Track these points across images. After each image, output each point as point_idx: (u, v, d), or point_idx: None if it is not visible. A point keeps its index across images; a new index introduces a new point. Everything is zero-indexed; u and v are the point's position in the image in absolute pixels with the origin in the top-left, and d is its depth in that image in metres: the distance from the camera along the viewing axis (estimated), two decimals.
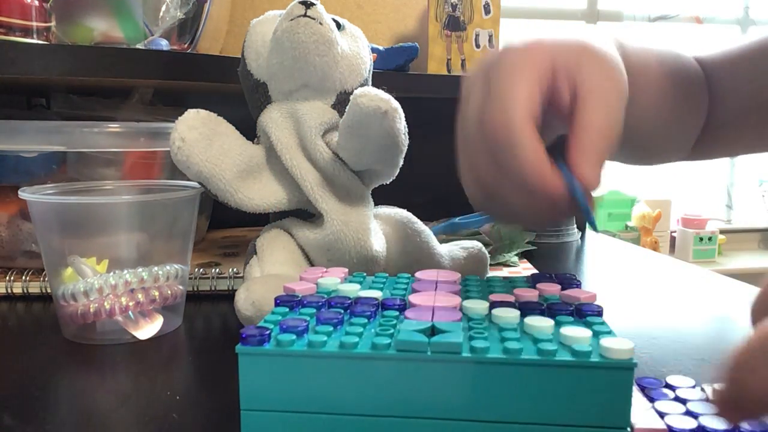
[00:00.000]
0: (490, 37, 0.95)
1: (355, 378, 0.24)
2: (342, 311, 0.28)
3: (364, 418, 0.25)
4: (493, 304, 0.29)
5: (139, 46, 0.61)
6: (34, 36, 0.57)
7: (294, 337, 0.25)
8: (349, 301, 0.30)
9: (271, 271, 0.44)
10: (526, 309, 0.28)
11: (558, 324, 0.26)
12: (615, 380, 0.23)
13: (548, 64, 0.33)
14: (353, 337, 0.25)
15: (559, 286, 0.32)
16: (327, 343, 0.25)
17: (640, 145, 0.49)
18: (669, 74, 0.48)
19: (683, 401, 0.27)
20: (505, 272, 0.62)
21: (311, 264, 0.47)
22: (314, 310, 0.29)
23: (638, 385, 0.29)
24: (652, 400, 0.27)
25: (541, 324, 0.26)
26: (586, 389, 0.23)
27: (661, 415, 0.26)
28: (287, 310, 0.29)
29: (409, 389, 0.24)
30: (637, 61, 0.44)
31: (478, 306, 0.28)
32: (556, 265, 0.68)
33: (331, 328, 0.26)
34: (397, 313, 0.28)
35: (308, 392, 0.25)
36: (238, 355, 0.25)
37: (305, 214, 0.49)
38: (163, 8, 0.63)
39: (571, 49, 0.34)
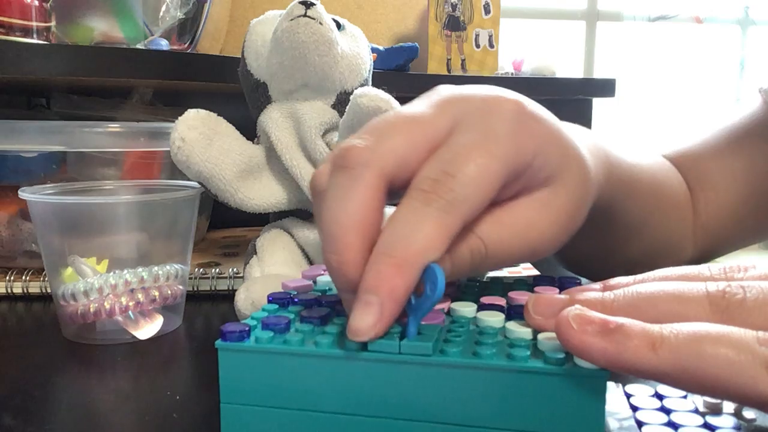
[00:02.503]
0: (490, 37, 0.95)
1: (327, 377, 0.25)
2: (328, 310, 0.28)
3: (338, 417, 0.25)
4: (481, 307, 0.29)
5: (139, 46, 0.61)
6: (34, 36, 0.58)
7: (272, 334, 0.26)
8: (339, 300, 0.30)
9: (271, 271, 0.44)
10: (514, 313, 0.28)
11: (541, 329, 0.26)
12: (586, 388, 0.22)
13: (525, 165, 0.27)
14: (329, 337, 0.25)
15: (558, 290, 0.31)
16: (303, 342, 0.25)
17: (622, 237, 0.46)
18: (656, 183, 0.46)
19: (668, 412, 0.26)
20: (504, 272, 0.62)
21: (311, 264, 0.47)
22: (302, 308, 0.29)
23: (625, 392, 0.28)
24: (635, 409, 0.27)
25: (520, 329, 0.25)
26: (557, 397, 0.23)
27: (640, 424, 0.25)
28: (277, 307, 0.29)
29: (380, 390, 0.24)
30: (622, 174, 0.40)
31: (465, 308, 0.28)
32: (556, 265, 0.68)
33: (312, 327, 0.26)
34: None
35: (285, 389, 0.25)
36: (218, 351, 0.26)
37: (305, 214, 0.49)
38: (163, 8, 0.63)
39: (561, 153, 0.29)
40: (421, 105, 0.28)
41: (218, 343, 0.26)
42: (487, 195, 0.25)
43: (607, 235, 0.43)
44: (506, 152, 0.26)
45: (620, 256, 0.46)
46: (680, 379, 0.20)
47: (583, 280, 0.32)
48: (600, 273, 0.50)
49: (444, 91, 0.29)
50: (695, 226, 0.50)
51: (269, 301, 0.30)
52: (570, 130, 0.30)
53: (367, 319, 0.23)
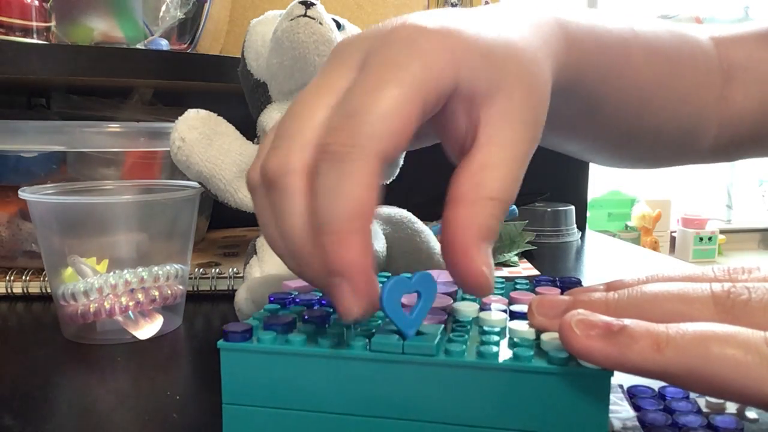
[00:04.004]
0: None
1: (331, 377, 0.25)
2: (330, 310, 0.28)
3: (341, 417, 0.25)
4: (483, 307, 0.29)
5: (139, 46, 0.61)
6: (34, 36, 0.57)
7: (275, 334, 0.25)
8: None
9: (271, 271, 0.44)
10: (516, 313, 0.28)
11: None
12: (590, 388, 0.22)
13: (445, 84, 0.24)
14: (332, 337, 0.25)
15: (559, 291, 0.31)
16: (305, 342, 0.25)
17: (626, 132, 0.41)
18: (666, 59, 0.40)
19: (671, 412, 0.26)
20: (504, 272, 0.62)
21: None
22: (304, 308, 0.29)
23: (628, 392, 0.28)
24: (638, 408, 0.27)
25: (523, 329, 0.25)
26: (561, 396, 0.23)
27: (643, 424, 0.25)
28: (278, 307, 0.29)
29: (384, 390, 0.24)
30: (597, 46, 0.35)
31: (467, 308, 0.28)
32: (556, 265, 0.68)
33: (314, 327, 0.26)
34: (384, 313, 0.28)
35: (287, 389, 0.25)
36: (220, 351, 0.26)
37: None
38: (163, 8, 0.63)
39: (489, 61, 0.25)
40: (329, 68, 0.27)
41: (220, 343, 0.26)
42: (403, 126, 0.23)
43: (600, 122, 0.40)
44: (414, 76, 0.24)
45: (633, 144, 0.42)
46: (686, 380, 0.20)
47: (584, 280, 0.32)
48: (624, 162, 0.46)
49: (343, 42, 0.28)
50: (722, 116, 0.44)
51: (270, 301, 0.30)
52: (501, 21, 0.28)
53: (345, 302, 0.23)
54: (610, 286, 0.26)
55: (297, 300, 0.30)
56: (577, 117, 0.38)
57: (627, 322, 0.21)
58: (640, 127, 0.41)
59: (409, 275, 0.26)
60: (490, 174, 0.24)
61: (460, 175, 0.25)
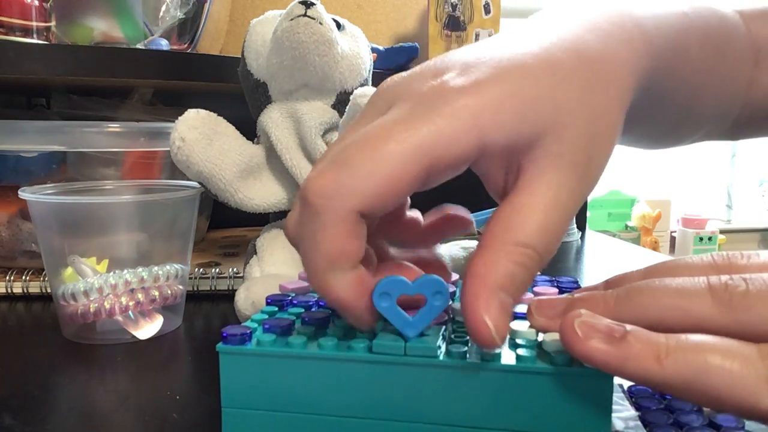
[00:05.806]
0: (490, 36, 0.95)
1: (332, 379, 0.24)
2: (328, 312, 0.28)
3: (342, 419, 0.25)
4: None
5: (139, 46, 0.61)
6: (34, 36, 0.57)
7: (274, 337, 0.25)
8: None
9: (271, 271, 0.44)
10: (517, 313, 0.28)
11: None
12: (593, 390, 0.22)
13: (461, 151, 0.23)
14: (333, 339, 0.25)
15: (557, 290, 0.31)
16: (306, 344, 0.25)
17: (673, 121, 0.39)
18: (706, 38, 0.37)
19: (672, 411, 0.26)
20: None
21: None
22: (302, 310, 0.29)
23: (629, 392, 0.28)
24: (640, 408, 0.27)
25: (525, 329, 0.25)
26: (563, 397, 0.23)
27: (645, 424, 0.25)
28: (276, 309, 0.29)
29: (385, 392, 0.24)
30: (666, 42, 0.32)
31: None
32: (555, 265, 0.68)
33: (314, 329, 0.26)
34: None
35: (288, 392, 0.25)
36: (219, 354, 0.25)
37: None
38: (163, 8, 0.63)
39: (529, 111, 0.23)
40: (370, 112, 0.26)
41: (219, 346, 0.25)
42: (392, 187, 0.22)
43: (652, 116, 0.37)
44: (421, 140, 0.22)
45: (672, 136, 0.41)
46: (683, 392, 0.20)
47: (584, 280, 0.32)
48: (652, 146, 0.43)
49: (383, 85, 0.27)
50: (747, 99, 0.42)
51: (268, 303, 0.30)
52: (557, 47, 0.25)
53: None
54: (609, 284, 0.26)
55: (294, 302, 0.30)
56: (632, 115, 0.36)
57: (629, 328, 0.21)
58: (687, 116, 0.39)
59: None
60: (522, 218, 0.23)
61: (491, 221, 0.24)
